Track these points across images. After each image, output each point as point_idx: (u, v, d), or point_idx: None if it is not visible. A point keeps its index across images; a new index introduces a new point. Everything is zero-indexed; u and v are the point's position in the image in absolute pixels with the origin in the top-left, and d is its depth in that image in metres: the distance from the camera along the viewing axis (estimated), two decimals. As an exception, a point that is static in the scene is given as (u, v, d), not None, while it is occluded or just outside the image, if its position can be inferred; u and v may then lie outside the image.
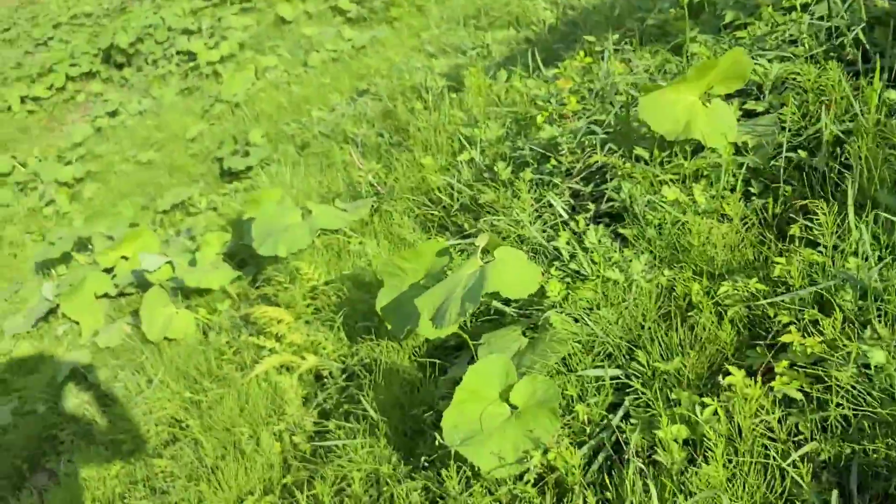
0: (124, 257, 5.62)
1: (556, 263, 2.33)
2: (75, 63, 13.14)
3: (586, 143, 2.77)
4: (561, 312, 2.11)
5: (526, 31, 5.56)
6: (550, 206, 2.65)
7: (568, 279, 2.27)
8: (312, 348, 3.15)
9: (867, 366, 1.58)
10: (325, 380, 3.02)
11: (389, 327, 2.55)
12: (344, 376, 2.90)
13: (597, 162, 2.59)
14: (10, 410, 4.79)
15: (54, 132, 11.78)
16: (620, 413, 1.89)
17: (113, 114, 10.44)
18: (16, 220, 8.48)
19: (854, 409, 1.56)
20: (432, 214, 3.33)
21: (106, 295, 5.38)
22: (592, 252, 2.23)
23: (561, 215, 2.54)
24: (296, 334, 3.23)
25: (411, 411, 2.41)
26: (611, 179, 2.50)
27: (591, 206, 2.54)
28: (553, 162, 2.76)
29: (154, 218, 6.59)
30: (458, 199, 3.18)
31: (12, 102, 12.47)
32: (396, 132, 4.82)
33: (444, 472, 1.95)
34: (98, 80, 12.80)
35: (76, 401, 4.67)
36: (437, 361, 2.54)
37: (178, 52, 11.67)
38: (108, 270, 5.64)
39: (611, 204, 2.46)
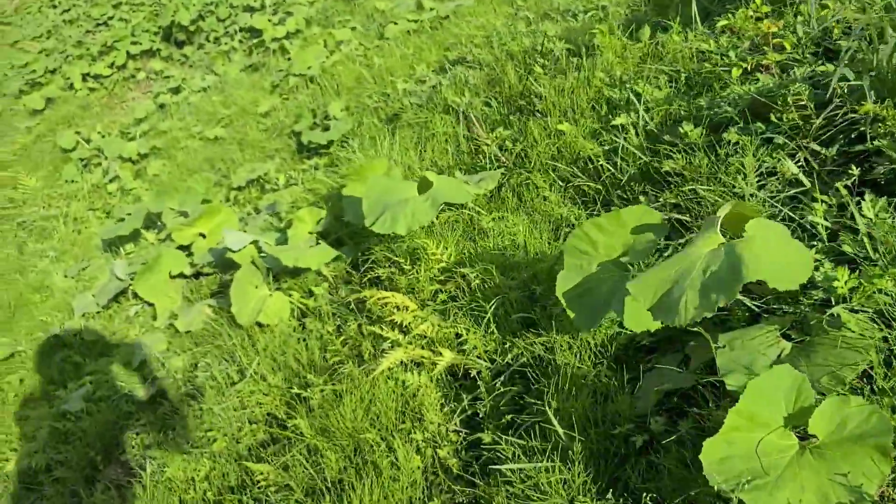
0: (201, 234, 5.22)
1: (816, 244, 1.78)
2: (136, 41, 12.89)
3: (813, 97, 2.19)
4: (850, 309, 1.56)
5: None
6: (772, 173, 2.10)
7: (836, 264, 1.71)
8: (447, 342, 2.65)
9: None
10: (468, 381, 2.52)
11: (572, 317, 2.02)
12: (497, 378, 2.39)
13: (842, 118, 2.02)
14: (82, 396, 4.41)
15: (115, 109, 11.53)
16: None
17: (176, 90, 10.10)
18: (80, 196, 8.19)
19: None
20: (587, 187, 2.79)
21: (181, 275, 4.98)
22: (875, 228, 1.67)
23: (802, 183, 1.98)
24: (424, 325, 2.73)
25: (611, 429, 1.89)
26: (872, 139, 1.93)
27: (841, 173, 1.97)
28: (773, 119, 2.19)
29: (228, 195, 6.18)
30: (626, 169, 2.63)
31: (74, 80, 12.27)
32: (508, 101, 4.29)
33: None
34: (158, 58, 12.52)
35: (153, 389, 4.27)
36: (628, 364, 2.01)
37: (240, 29, 11.29)
38: (183, 248, 5.24)
39: (878, 170, 1.89)
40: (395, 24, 7.57)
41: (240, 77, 9.40)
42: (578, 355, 2.12)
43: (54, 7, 21.10)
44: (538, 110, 3.58)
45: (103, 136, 9.28)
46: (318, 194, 4.55)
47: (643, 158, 2.56)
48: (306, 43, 9.15)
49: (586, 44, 4.14)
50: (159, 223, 6.13)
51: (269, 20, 10.50)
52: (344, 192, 3.84)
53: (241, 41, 10.78)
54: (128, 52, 12.73)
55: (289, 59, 8.93)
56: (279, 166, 6.18)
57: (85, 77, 12.54)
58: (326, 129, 6.06)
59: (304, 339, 3.44)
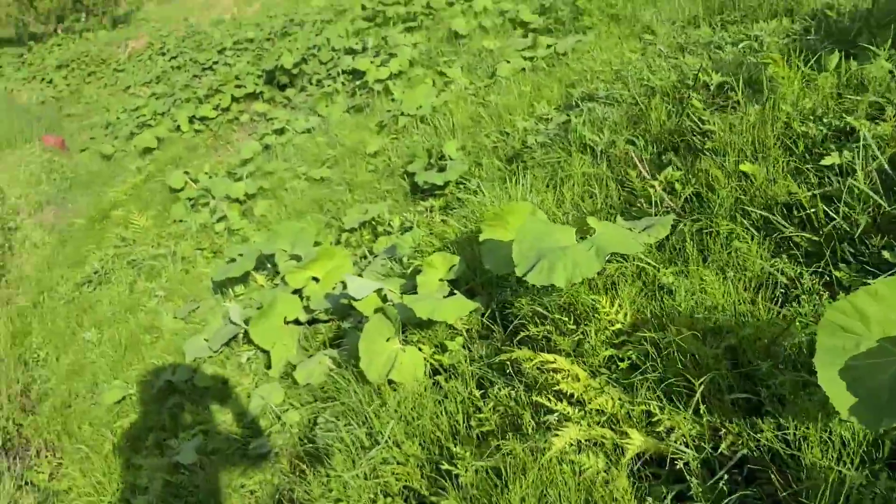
0: (314, 278, 5.00)
1: None
2: (240, 84, 13.24)
3: None
4: None
5: (801, 23, 4.51)
6: None
7: None
8: (634, 422, 2.23)
9: None
10: (663, 470, 2.09)
11: (844, 412, 1.58)
12: (705, 467, 1.95)
13: None
14: (195, 448, 4.19)
15: (220, 151, 11.77)
16: None
17: (280, 131, 10.18)
18: (188, 235, 8.24)
19: None
20: (799, 238, 2.34)
21: (296, 321, 4.75)
22: None
23: None
24: (602, 398, 2.33)
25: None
26: None
27: None
28: None
29: (338, 237, 5.99)
30: (854, 217, 2.18)
31: (181, 122, 12.64)
32: (657, 139, 3.89)
33: None
34: (261, 101, 12.78)
35: (268, 445, 4.00)
36: None
37: (343, 72, 11.36)
38: (296, 292, 5.04)
39: None
40: (508, 62, 7.32)
41: (343, 118, 9.37)
42: (837, 454, 1.67)
43: (163, 54, 22.26)
44: (707, 149, 3.17)
45: (210, 177, 9.39)
46: (445, 238, 4.24)
47: (882, 205, 2.11)
48: (411, 83, 9.03)
49: (750, 76, 3.71)
50: (269, 265, 5.99)
51: (372, 62, 10.50)
52: (482, 237, 3.50)
53: (343, 83, 10.82)
54: (232, 95, 13.06)
55: (393, 99, 8.83)
56: (392, 208, 5.95)
57: (192, 119, 12.91)
58: (442, 169, 5.80)
59: (442, 402, 3.09)
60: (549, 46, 6.92)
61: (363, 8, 13.66)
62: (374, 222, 5.82)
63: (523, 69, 7.02)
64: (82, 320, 7.25)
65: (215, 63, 16.77)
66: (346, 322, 4.46)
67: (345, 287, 4.27)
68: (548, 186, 4.31)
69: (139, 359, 5.75)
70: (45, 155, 14.31)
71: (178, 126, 12.84)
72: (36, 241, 10.53)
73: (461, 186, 5.43)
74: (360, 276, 4.63)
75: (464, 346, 3.44)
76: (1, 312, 8.11)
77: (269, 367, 4.61)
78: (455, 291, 3.61)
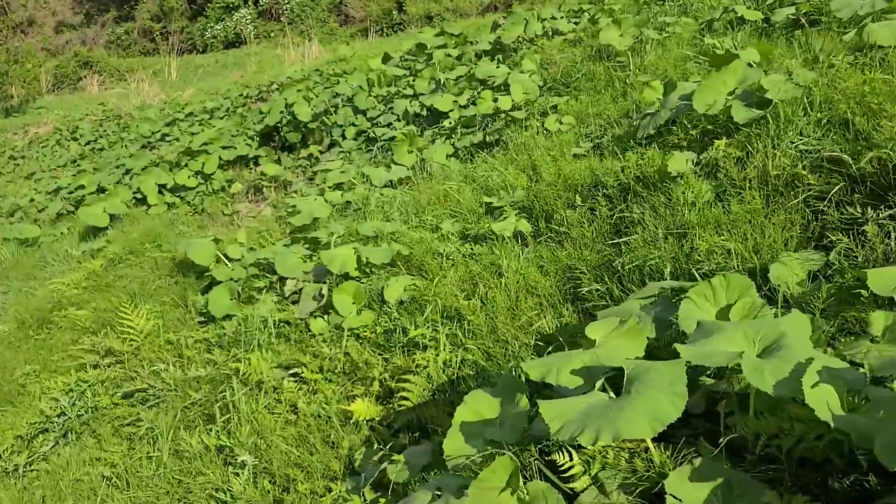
0: None
1: None
2: (229, 146, 9.74)
3: None
4: None
5: None
6: None
7: None
8: None
9: None
10: None
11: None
12: None
13: None
14: None
15: (218, 224, 8.09)
16: None
17: (339, 186, 6.78)
18: (244, 341, 4.53)
19: None
20: None
21: None
22: None
23: None
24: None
25: None
26: None
27: None
28: None
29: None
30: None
31: (148, 194, 9.02)
32: None
33: None
34: (260, 164, 9.37)
35: None
36: None
37: (398, 117, 8.25)
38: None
39: None
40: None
41: (450, 161, 6.16)
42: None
43: (76, 139, 18.31)
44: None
45: (253, 248, 5.77)
46: None
47: None
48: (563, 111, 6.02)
49: None
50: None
51: (455, 100, 7.51)
52: None
53: (416, 126, 7.64)
54: (220, 158, 9.52)
55: (545, 130, 5.75)
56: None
57: (161, 189, 9.19)
58: None
59: None
60: None
61: (369, 69, 10.71)
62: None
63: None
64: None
65: (165, 136, 13.13)
66: None
67: None
68: None
69: None
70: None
71: (143, 198, 9.05)
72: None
73: None
74: None
75: None
76: None
77: None
78: None
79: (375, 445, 3.28)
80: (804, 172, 3.07)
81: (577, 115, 5.91)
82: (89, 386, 4.67)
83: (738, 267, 2.84)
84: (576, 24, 8.85)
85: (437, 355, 3.61)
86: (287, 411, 3.95)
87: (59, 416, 4.51)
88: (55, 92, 26.54)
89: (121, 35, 30.54)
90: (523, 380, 2.67)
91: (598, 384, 2.22)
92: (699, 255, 2.99)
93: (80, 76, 26.55)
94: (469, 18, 22.46)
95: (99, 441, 4.28)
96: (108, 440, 4.25)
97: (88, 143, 16.87)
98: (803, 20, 5.47)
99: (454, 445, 2.51)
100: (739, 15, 5.94)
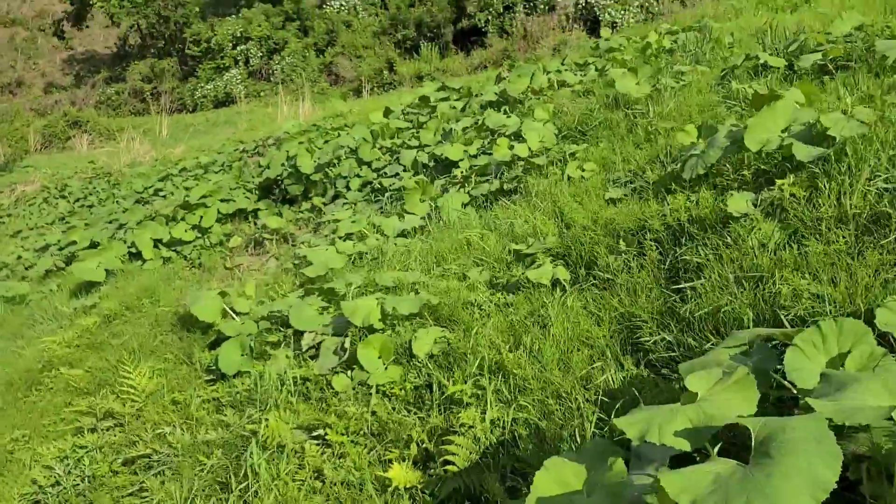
0: None
1: None
2: (228, 199, 9.48)
3: None
4: None
5: None
6: None
7: None
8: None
9: None
10: None
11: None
12: None
13: None
14: None
15: (216, 279, 7.75)
16: None
17: (350, 237, 6.50)
18: (261, 401, 4.16)
19: None
20: None
21: None
22: None
23: None
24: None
25: None
26: None
27: None
28: None
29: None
30: None
31: (143, 248, 8.72)
32: None
33: None
34: (261, 216, 9.10)
35: None
36: None
37: (405, 168, 8.06)
38: None
39: None
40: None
41: (463, 210, 5.92)
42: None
43: (64, 197, 18.09)
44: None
45: (261, 303, 5.43)
46: None
47: None
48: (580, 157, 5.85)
49: None
50: None
51: (465, 150, 7.34)
52: None
53: (424, 175, 7.43)
54: (218, 211, 9.25)
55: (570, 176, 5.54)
56: None
57: (157, 244, 8.87)
58: None
59: None
60: None
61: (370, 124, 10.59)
62: None
63: None
64: None
65: (158, 191, 12.84)
66: None
67: None
68: None
69: None
70: None
71: (138, 253, 8.71)
72: None
73: None
74: None
75: None
76: None
77: None
78: None
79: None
80: (890, 210, 2.84)
81: (599, 161, 5.72)
82: (87, 452, 4.25)
83: (832, 313, 2.57)
84: (583, 76, 8.79)
85: (484, 413, 3.27)
86: (311, 478, 3.57)
87: (52, 485, 4.07)
88: (43, 151, 26.33)
89: (111, 95, 30.58)
90: (611, 441, 2.35)
91: (715, 449, 1.91)
92: (783, 301, 2.72)
93: (68, 135, 26.38)
94: (460, 76, 22.66)
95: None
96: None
97: (78, 200, 16.60)
98: (830, 66, 5.38)
99: (537, 521, 2.16)
100: (763, 62, 5.85)
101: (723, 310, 2.87)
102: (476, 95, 9.78)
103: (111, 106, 30.29)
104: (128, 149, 22.52)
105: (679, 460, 2.25)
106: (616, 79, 6.95)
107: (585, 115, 6.77)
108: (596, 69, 8.79)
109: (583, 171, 5.68)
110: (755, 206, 3.39)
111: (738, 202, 3.38)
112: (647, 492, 2.05)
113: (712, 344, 2.79)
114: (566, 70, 9.31)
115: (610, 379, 3.00)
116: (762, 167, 3.72)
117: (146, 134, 25.26)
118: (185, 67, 31.46)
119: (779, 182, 3.32)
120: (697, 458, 2.39)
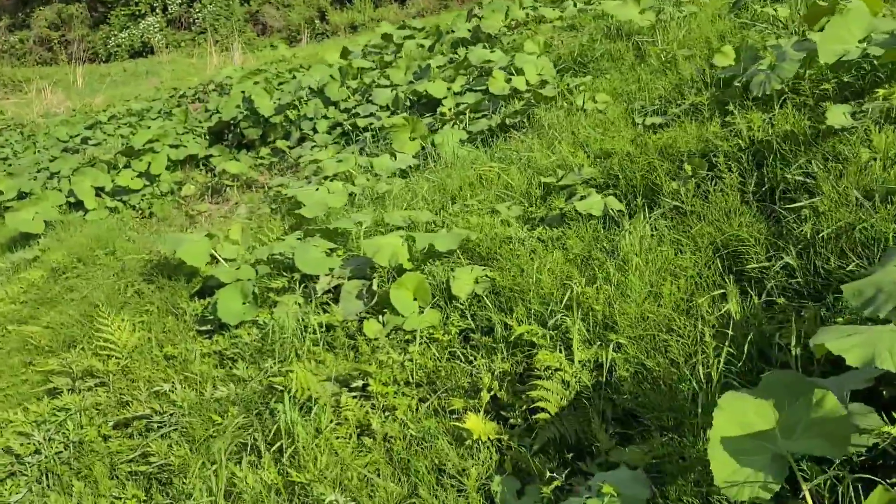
0: None
1: None
2: (177, 144, 8.63)
3: None
4: None
5: None
6: None
7: None
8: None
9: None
10: None
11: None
12: None
13: None
14: None
15: (174, 227, 7.00)
16: None
17: (336, 177, 5.92)
18: (272, 352, 3.62)
19: None
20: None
21: None
22: None
23: None
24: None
25: None
26: None
27: None
28: None
29: None
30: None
31: (84, 197, 7.88)
32: None
33: None
34: (207, 164, 8.34)
35: None
36: None
37: (381, 107, 7.46)
38: None
39: None
40: None
41: (462, 147, 5.46)
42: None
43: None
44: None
45: (253, 248, 4.82)
46: None
47: None
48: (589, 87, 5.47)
49: None
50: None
51: (449, 87, 6.83)
52: None
53: (406, 113, 6.86)
54: (168, 157, 8.41)
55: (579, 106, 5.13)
56: None
57: (99, 192, 8.00)
58: None
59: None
60: None
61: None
62: None
63: None
64: None
65: (87, 139, 11.69)
66: None
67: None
68: None
69: None
70: None
71: (78, 203, 7.81)
72: None
73: None
74: None
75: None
76: None
77: None
78: None
79: (550, 474, 2.46)
80: None
81: (610, 92, 5.33)
82: (69, 415, 3.61)
83: None
84: (561, 11, 8.35)
85: (569, 354, 2.85)
86: (356, 434, 3.09)
87: (31, 454, 3.43)
88: (-62, 102, 23.94)
89: (14, 44, 28.07)
90: (800, 373, 1.98)
91: None
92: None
93: (-32, 86, 24.07)
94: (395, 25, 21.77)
95: (93, 485, 3.25)
96: (105, 483, 3.23)
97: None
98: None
99: (726, 470, 1.77)
100: (779, -14, 5.55)
101: (858, 227, 2.54)
102: (447, 33, 9.20)
103: (15, 55, 27.83)
104: (39, 99, 20.68)
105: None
106: (611, 10, 6.55)
107: (585, 47, 6.35)
108: (574, 4, 8.36)
109: (595, 102, 5.28)
110: (854, 118, 3.06)
111: (837, 115, 3.05)
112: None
113: (857, 265, 2.45)
114: (541, 6, 8.84)
115: (734, 308, 2.62)
116: (845, 80, 3.40)
117: (58, 84, 23.29)
118: (96, 14, 29.13)
119: (882, 91, 3.01)
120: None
